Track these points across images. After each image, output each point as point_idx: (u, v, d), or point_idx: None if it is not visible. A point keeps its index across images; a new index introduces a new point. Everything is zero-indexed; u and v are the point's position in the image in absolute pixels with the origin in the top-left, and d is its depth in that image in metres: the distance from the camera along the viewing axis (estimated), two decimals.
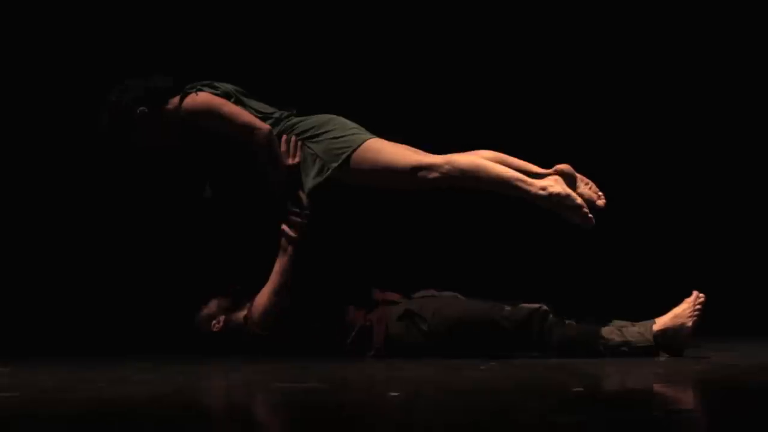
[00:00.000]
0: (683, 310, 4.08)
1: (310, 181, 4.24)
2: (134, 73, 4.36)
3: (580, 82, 5.78)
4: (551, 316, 4.18)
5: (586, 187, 4.23)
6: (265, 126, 4.23)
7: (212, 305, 4.45)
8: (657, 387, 3.26)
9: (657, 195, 5.81)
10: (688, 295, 4.12)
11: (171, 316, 4.68)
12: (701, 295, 4.08)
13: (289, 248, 4.26)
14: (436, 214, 5.36)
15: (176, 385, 3.41)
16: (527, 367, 3.82)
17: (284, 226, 4.25)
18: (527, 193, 4.05)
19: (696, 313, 4.06)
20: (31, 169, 5.39)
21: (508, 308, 4.22)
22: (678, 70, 5.81)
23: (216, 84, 4.31)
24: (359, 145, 4.19)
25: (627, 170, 5.77)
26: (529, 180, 4.06)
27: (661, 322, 4.12)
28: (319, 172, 4.23)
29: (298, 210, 4.24)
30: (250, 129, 4.20)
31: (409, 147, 4.25)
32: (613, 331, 4.13)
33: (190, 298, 4.57)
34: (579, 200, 4.02)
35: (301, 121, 4.31)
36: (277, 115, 4.32)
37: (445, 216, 5.33)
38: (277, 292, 4.29)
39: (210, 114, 4.21)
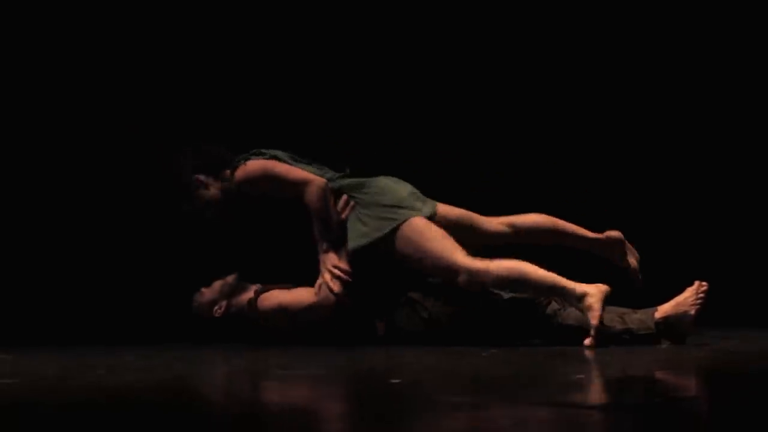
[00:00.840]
0: (685, 298, 4.09)
1: (353, 241, 4.24)
2: (188, 142, 4.45)
3: (586, 76, 5.76)
4: (553, 303, 4.18)
5: (633, 258, 4.37)
6: (319, 179, 4.25)
7: (214, 289, 4.44)
8: (658, 374, 3.25)
9: (658, 185, 5.80)
10: (690, 283, 4.13)
11: (171, 303, 4.68)
12: (704, 283, 4.09)
13: (329, 299, 4.23)
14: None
15: (177, 371, 3.41)
16: (529, 354, 3.82)
17: (327, 277, 4.21)
18: (566, 296, 4.04)
19: (699, 301, 4.07)
20: (31, 162, 5.38)
21: (509, 296, 4.21)
22: (678, 66, 5.78)
23: (263, 150, 4.34)
24: (403, 222, 4.19)
25: (631, 159, 5.75)
26: (570, 285, 4.03)
27: (663, 310, 4.12)
28: (364, 236, 4.24)
29: (342, 267, 4.22)
30: (304, 183, 4.22)
31: (465, 213, 4.31)
32: (615, 318, 4.12)
33: (189, 285, 4.58)
34: (596, 322, 3.96)
35: (359, 184, 4.32)
36: (329, 175, 4.34)
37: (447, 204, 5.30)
38: (289, 316, 4.30)
39: (265, 177, 4.25)
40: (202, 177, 4.35)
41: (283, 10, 5.58)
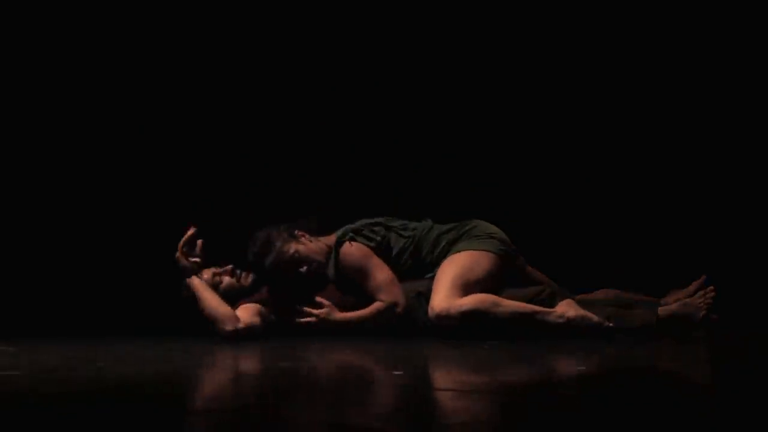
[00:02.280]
0: (693, 299, 4.14)
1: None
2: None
3: (581, 77, 5.75)
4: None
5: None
6: (400, 300, 4.40)
7: (230, 286, 4.49)
8: (661, 366, 3.25)
9: (662, 182, 5.78)
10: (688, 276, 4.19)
11: (173, 296, 4.68)
12: (711, 287, 4.21)
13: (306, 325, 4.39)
14: (442, 204, 5.35)
15: (178, 364, 3.41)
16: (530, 347, 3.82)
17: (312, 317, 4.38)
18: (546, 322, 4.17)
19: (707, 304, 4.13)
20: (35, 158, 5.41)
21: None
22: (678, 68, 5.76)
23: (365, 232, 4.50)
24: (485, 250, 4.38)
25: (637, 158, 5.74)
26: (546, 309, 4.19)
27: (667, 308, 4.15)
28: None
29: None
30: (385, 294, 4.41)
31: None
32: (615, 313, 4.13)
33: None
34: (595, 318, 4.13)
35: (455, 227, 4.53)
36: (415, 226, 4.56)
37: (452, 205, 5.32)
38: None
39: (361, 270, 4.44)
40: (303, 232, 4.56)
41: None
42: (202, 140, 5.55)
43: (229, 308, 4.32)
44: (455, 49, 5.70)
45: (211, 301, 4.29)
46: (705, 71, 5.70)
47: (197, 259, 4.39)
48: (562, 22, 5.69)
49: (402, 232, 4.53)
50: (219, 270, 4.51)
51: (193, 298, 4.31)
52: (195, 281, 4.31)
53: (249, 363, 3.57)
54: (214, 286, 4.46)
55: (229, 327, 4.25)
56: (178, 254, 4.35)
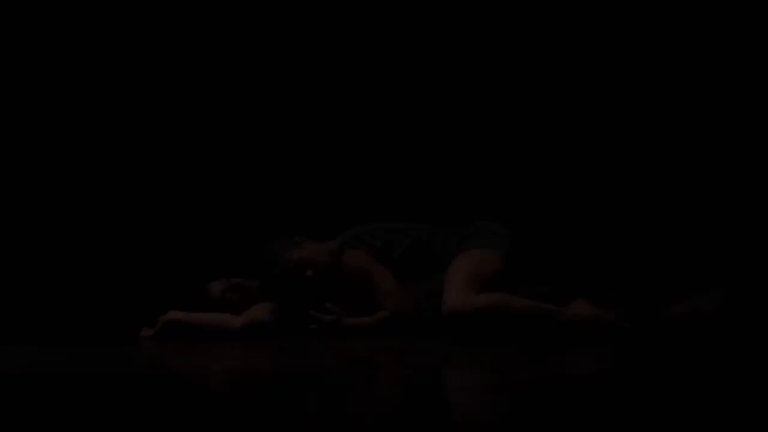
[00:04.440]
0: (705, 302, 4.18)
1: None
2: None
3: (582, 77, 5.72)
4: (568, 296, 4.20)
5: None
6: (401, 308, 4.37)
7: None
8: (675, 363, 3.25)
9: (664, 185, 5.76)
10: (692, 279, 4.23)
11: (177, 297, 4.68)
12: (725, 286, 4.22)
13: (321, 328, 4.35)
14: (442, 204, 5.34)
15: (186, 363, 3.41)
16: (544, 345, 3.81)
17: (336, 324, 4.35)
18: (560, 320, 4.16)
19: (720, 307, 4.17)
20: (40, 161, 5.40)
21: (524, 289, 4.23)
22: (682, 69, 5.74)
23: (365, 239, 4.50)
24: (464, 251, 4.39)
25: (636, 159, 5.72)
26: (560, 308, 4.18)
27: (680, 308, 4.19)
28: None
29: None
30: (388, 302, 4.40)
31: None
32: (629, 311, 4.15)
33: (195, 278, 4.59)
34: (611, 317, 4.14)
35: (463, 234, 4.51)
36: (420, 231, 4.54)
37: (452, 206, 5.31)
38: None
39: (364, 277, 4.42)
40: (303, 238, 4.50)
41: None
42: (201, 141, 5.54)
43: (223, 314, 4.34)
44: (455, 49, 5.69)
45: (202, 319, 4.32)
46: (718, 69, 5.68)
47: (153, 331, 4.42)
48: (563, 21, 5.68)
49: (406, 231, 4.53)
50: (227, 286, 4.50)
51: (188, 328, 4.33)
52: (173, 316, 4.33)
53: (259, 361, 3.57)
54: (227, 302, 4.46)
55: (236, 324, 4.25)
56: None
